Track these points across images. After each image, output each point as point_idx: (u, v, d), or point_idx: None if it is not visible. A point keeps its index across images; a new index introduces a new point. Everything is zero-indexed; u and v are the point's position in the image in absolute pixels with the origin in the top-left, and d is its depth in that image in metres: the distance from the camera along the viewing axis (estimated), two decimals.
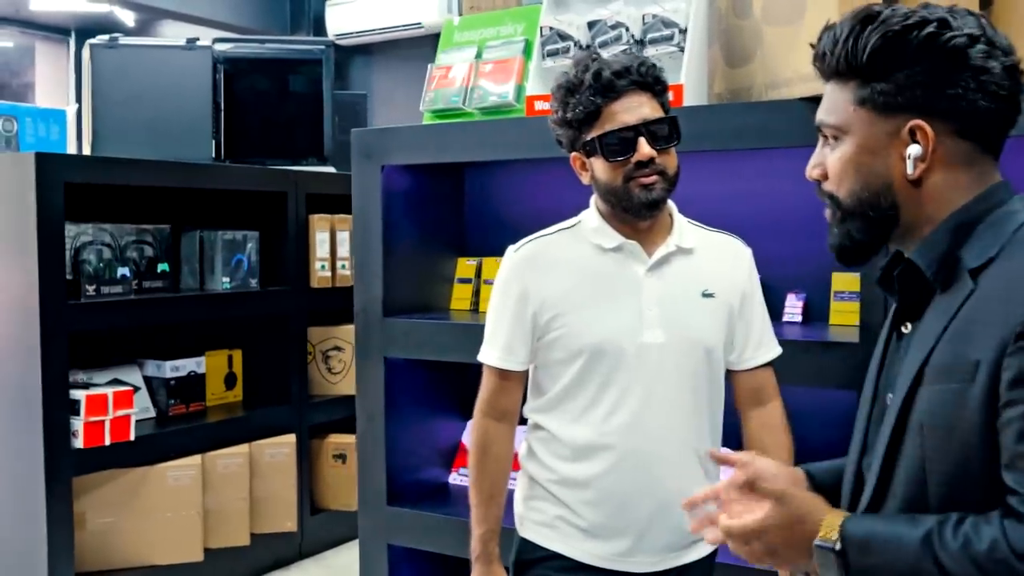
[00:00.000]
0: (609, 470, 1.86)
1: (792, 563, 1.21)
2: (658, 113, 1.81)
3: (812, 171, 1.27)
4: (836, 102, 1.22)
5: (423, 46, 6.16)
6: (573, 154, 1.87)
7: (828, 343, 2.23)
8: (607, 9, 2.47)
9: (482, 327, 2.69)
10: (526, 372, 1.97)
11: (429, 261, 3.02)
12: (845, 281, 2.54)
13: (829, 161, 1.24)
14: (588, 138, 1.81)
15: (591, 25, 2.48)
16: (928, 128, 1.15)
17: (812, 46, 1.25)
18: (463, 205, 3.16)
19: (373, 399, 2.85)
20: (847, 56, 1.18)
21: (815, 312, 2.62)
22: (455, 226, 3.14)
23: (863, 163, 1.20)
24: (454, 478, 3.10)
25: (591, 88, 1.78)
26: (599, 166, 1.82)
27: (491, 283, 2.97)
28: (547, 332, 1.89)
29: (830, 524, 1.16)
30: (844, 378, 2.20)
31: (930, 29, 1.13)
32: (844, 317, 2.52)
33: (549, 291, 1.88)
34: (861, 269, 2.20)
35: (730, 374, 1.98)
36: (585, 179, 1.88)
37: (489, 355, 1.96)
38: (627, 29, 2.43)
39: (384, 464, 2.85)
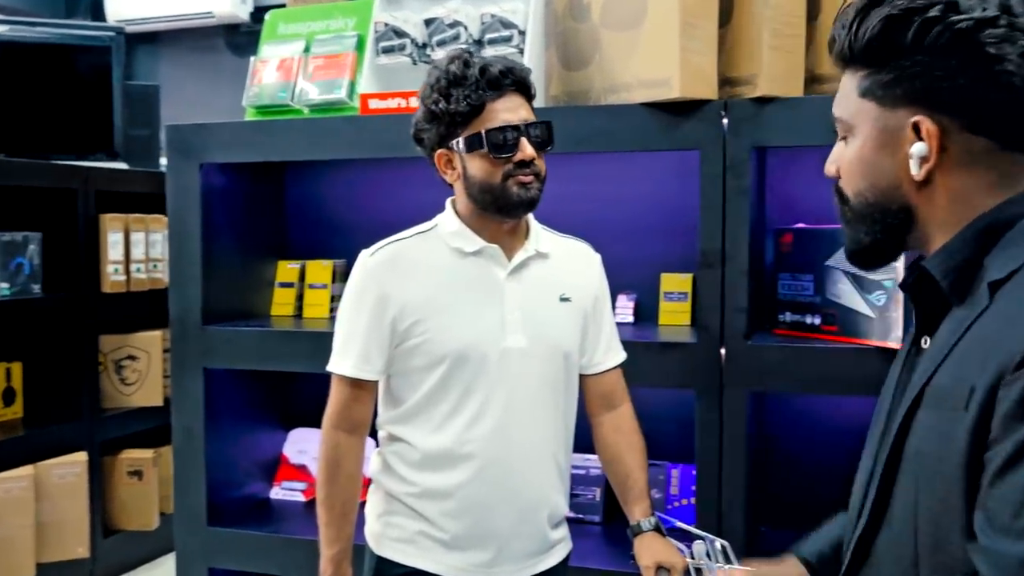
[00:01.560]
0: (472, 479, 1.81)
1: None
2: (533, 117, 1.80)
3: (829, 167, 1.18)
4: (845, 93, 1.13)
5: (214, 36, 5.85)
6: (439, 151, 1.82)
7: (668, 343, 2.28)
8: (444, 7, 2.41)
9: (306, 334, 2.60)
10: (378, 382, 1.89)
11: (249, 265, 2.86)
12: (675, 282, 2.61)
13: (843, 158, 1.15)
14: (467, 134, 1.77)
15: (428, 23, 2.42)
16: (930, 123, 1.04)
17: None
18: (284, 206, 3.01)
19: (191, 412, 2.66)
20: (851, 42, 1.08)
21: (645, 312, 2.68)
22: (276, 228, 2.99)
23: (868, 161, 1.10)
24: (276, 492, 2.95)
25: (477, 82, 1.74)
26: (477, 163, 1.77)
27: (316, 287, 2.87)
28: (407, 339, 1.82)
29: None
30: (684, 378, 2.26)
31: (934, 12, 1.01)
32: (674, 317, 2.60)
33: (410, 296, 1.81)
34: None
35: (581, 379, 1.98)
36: (450, 177, 1.83)
37: (342, 365, 1.86)
38: (465, 28, 2.38)
39: (204, 481, 2.66)
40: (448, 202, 1.90)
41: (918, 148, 1.04)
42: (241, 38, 5.74)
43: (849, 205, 1.14)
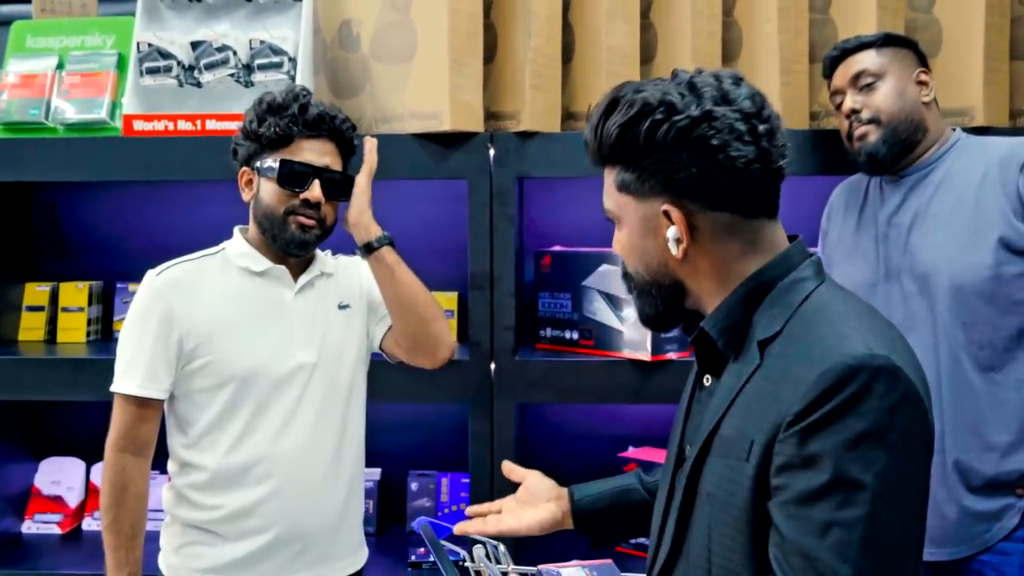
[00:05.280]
0: (271, 496, 1.87)
1: None
2: (338, 167, 1.92)
3: (615, 247, 1.27)
4: (608, 188, 1.23)
5: None
6: (243, 168, 1.91)
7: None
8: (212, 30, 2.40)
9: (61, 360, 2.50)
10: (163, 403, 1.90)
11: None
12: (441, 300, 2.71)
13: (620, 243, 1.25)
14: (269, 159, 1.85)
15: (195, 45, 2.39)
16: (676, 210, 1.15)
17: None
18: (31, 225, 2.85)
19: None
20: (598, 146, 1.20)
21: None
22: (21, 249, 2.82)
23: (637, 245, 1.21)
24: (28, 526, 2.79)
25: (294, 117, 1.84)
26: (268, 189, 1.87)
27: (71, 311, 2.77)
28: (193, 359, 1.85)
29: None
30: (457, 392, 2.38)
31: (658, 115, 1.13)
32: None
33: (197, 316, 1.85)
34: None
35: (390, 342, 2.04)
36: (246, 196, 1.93)
37: (127, 384, 1.86)
38: (235, 53, 2.39)
39: None
40: (237, 229, 1.98)
41: (672, 232, 1.16)
42: None
43: (633, 282, 1.26)
